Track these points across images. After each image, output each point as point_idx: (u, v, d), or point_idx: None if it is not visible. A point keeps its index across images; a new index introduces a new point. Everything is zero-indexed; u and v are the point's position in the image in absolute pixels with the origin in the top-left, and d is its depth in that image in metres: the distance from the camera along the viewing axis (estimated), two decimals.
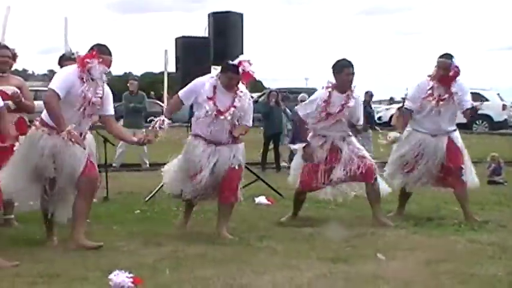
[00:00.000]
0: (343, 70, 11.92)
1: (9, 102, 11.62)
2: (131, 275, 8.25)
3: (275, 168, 23.17)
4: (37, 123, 10.07)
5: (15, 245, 9.90)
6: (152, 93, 52.37)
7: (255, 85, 41.37)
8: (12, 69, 12.59)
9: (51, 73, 22.99)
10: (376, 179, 12.27)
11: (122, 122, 20.95)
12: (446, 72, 12.40)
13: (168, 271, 8.82)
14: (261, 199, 9.72)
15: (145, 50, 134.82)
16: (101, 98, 10.00)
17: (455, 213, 12.62)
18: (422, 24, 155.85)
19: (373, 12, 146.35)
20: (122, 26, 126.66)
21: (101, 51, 10.03)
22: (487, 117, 39.03)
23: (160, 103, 36.04)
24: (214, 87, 10.94)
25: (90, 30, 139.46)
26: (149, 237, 10.55)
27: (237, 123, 11.12)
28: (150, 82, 63.46)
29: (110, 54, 10.19)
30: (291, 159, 22.07)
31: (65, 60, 12.96)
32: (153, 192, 14.41)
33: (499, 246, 10.38)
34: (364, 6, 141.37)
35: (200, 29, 16.45)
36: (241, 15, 16.44)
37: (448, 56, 12.51)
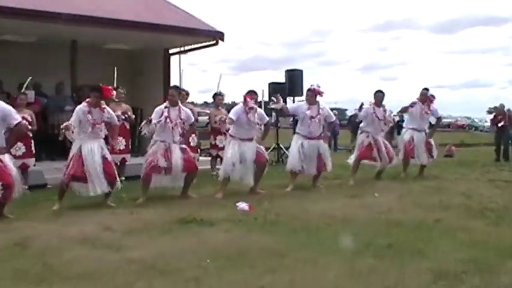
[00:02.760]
0: (377, 94, 11.74)
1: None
2: (248, 204, 8.51)
3: None
4: (228, 135, 10.19)
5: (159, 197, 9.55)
6: None
7: None
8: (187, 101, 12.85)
9: (205, 104, 22.89)
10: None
11: None
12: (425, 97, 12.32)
13: (267, 203, 8.84)
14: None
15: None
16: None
17: (414, 173, 12.55)
18: (398, 73, 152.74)
19: (370, 68, 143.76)
20: (237, 79, 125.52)
21: (254, 93, 10.12)
22: None
23: None
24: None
25: (224, 81, 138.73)
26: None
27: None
28: None
29: (256, 93, 10.24)
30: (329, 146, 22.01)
31: (217, 95, 13.25)
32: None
33: (434, 188, 10.39)
34: (362, 64, 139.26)
35: (281, 78, 16.63)
36: (301, 71, 16.56)
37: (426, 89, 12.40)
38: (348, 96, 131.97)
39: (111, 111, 9.18)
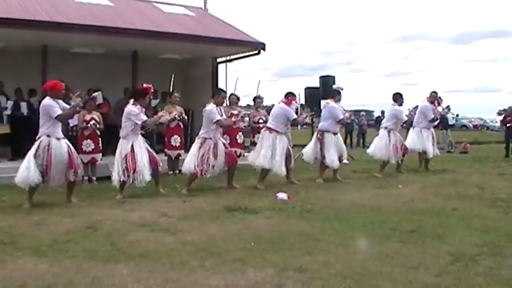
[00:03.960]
0: (399, 97, 11.63)
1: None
2: (287, 194, 8.50)
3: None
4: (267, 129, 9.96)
5: (209, 188, 9.65)
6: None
7: None
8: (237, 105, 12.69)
9: (248, 106, 22.75)
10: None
11: None
12: (434, 98, 12.29)
13: (303, 193, 8.87)
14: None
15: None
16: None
17: (432, 167, 12.43)
18: (418, 79, 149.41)
19: (394, 75, 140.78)
20: (276, 84, 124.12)
21: (293, 95, 10.11)
22: None
23: None
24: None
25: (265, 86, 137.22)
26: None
27: None
28: None
29: (295, 95, 10.19)
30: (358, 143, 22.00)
31: (256, 98, 13.25)
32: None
33: (451, 180, 10.35)
34: (387, 71, 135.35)
35: (316, 83, 16.52)
36: (333, 77, 16.38)
37: (435, 92, 12.34)
38: (374, 100, 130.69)
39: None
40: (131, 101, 8.79)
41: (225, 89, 12.42)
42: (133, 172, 8.42)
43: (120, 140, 8.69)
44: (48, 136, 7.72)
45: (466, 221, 6.59)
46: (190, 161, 9.18)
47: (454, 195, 8.64)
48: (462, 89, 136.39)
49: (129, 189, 8.67)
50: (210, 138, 9.20)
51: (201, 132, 9.33)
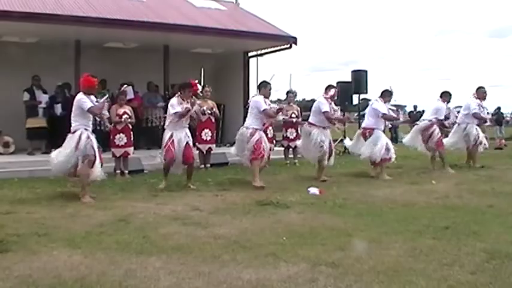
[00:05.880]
0: (443, 95, 11.57)
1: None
2: (318, 188, 8.50)
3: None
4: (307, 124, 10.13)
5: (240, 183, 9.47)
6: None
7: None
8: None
9: (279, 101, 22.52)
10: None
11: None
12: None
13: (335, 188, 8.85)
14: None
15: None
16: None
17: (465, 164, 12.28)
18: (454, 74, 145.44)
19: (428, 69, 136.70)
20: (308, 78, 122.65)
21: (333, 87, 10.11)
22: None
23: None
24: None
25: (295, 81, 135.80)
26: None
27: None
28: None
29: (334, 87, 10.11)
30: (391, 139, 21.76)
31: (289, 93, 13.24)
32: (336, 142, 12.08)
33: (487, 177, 10.23)
34: (422, 66, 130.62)
35: (347, 77, 16.42)
36: (366, 71, 16.27)
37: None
38: (407, 94, 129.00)
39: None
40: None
41: (256, 83, 12.45)
42: (168, 162, 8.75)
43: (165, 131, 8.96)
44: (86, 129, 7.82)
45: (501, 219, 6.49)
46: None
47: (490, 191, 8.53)
48: (500, 84, 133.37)
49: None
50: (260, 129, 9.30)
51: (249, 123, 9.33)
